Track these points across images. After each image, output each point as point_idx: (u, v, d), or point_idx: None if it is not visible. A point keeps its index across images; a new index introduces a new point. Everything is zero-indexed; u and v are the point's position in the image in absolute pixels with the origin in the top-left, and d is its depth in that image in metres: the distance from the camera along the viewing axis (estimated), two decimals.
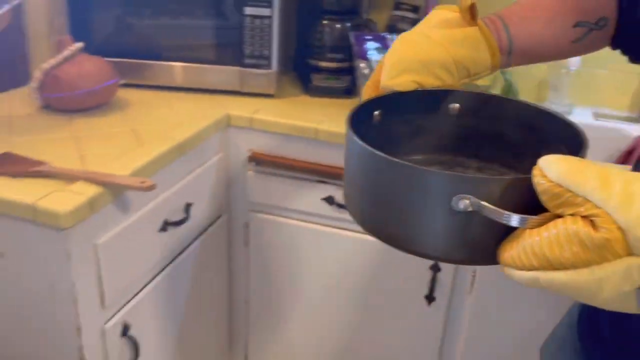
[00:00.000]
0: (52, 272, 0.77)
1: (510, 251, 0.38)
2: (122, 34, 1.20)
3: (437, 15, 0.56)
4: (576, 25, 0.56)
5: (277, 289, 1.25)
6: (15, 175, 0.80)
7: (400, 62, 0.53)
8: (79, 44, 1.05)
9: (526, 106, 0.53)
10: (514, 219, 0.37)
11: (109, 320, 0.85)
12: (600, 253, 0.34)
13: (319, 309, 1.23)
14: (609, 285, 0.34)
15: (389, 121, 0.52)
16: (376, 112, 0.52)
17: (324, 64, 1.24)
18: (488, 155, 0.55)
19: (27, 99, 1.10)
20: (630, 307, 0.35)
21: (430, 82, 0.53)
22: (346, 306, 1.20)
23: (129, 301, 0.89)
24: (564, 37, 0.57)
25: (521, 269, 0.37)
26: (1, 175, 0.80)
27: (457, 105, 0.55)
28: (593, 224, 0.34)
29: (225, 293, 1.26)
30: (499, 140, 0.54)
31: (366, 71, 1.16)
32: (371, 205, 0.44)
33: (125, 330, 0.88)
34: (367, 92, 0.56)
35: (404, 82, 0.52)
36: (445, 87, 0.54)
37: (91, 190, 0.77)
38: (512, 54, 0.57)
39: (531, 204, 0.37)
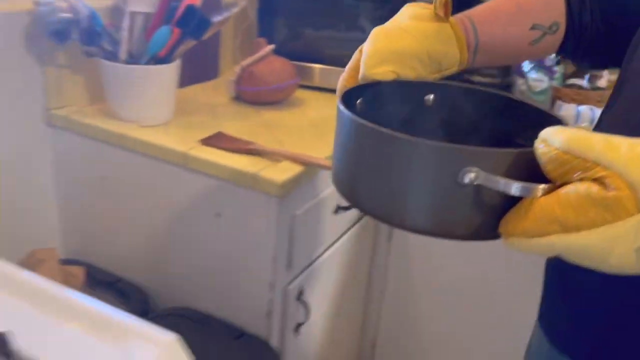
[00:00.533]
0: (259, 234, 0.91)
1: (520, 221, 0.38)
2: (295, 40, 1.36)
3: (409, 11, 0.58)
4: (532, 27, 0.60)
5: (412, 286, 1.35)
6: (232, 150, 0.96)
7: (378, 52, 0.54)
8: (271, 46, 1.21)
9: (502, 97, 0.54)
10: (524, 189, 0.38)
11: (290, 282, 0.99)
12: (613, 212, 0.35)
13: (451, 312, 1.31)
14: (620, 243, 0.35)
15: (368, 110, 0.52)
16: (358, 101, 0.53)
17: (477, 78, 1.33)
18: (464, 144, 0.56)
19: (219, 90, 1.28)
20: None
21: (407, 73, 0.55)
22: (481, 316, 1.27)
23: (305, 269, 1.03)
24: (523, 39, 0.61)
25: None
26: (220, 149, 0.96)
27: (433, 96, 0.56)
28: (603, 186, 0.35)
29: (364, 283, 1.38)
30: (475, 131, 0.55)
31: (524, 87, 1.24)
32: (368, 183, 0.44)
33: (300, 294, 1.01)
34: (343, 82, 0.57)
35: (383, 72, 0.54)
36: (421, 79, 0.56)
37: (296, 169, 0.91)
38: (477, 52, 0.60)
39: (532, 177, 0.38)
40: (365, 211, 0.45)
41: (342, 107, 0.46)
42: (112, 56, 0.99)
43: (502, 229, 0.40)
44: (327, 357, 1.26)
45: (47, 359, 0.48)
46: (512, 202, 0.39)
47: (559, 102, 1.24)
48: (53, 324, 0.53)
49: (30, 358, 0.49)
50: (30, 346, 0.50)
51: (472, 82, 1.33)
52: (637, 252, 0.36)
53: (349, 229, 1.19)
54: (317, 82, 1.35)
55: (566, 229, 0.36)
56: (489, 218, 0.40)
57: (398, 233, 1.34)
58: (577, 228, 0.36)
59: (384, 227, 1.34)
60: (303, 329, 1.06)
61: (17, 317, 0.53)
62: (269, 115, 1.17)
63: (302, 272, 1.02)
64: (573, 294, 0.58)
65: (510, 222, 0.39)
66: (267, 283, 0.94)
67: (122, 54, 0.98)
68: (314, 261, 1.06)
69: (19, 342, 0.49)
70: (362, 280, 1.36)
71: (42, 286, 0.57)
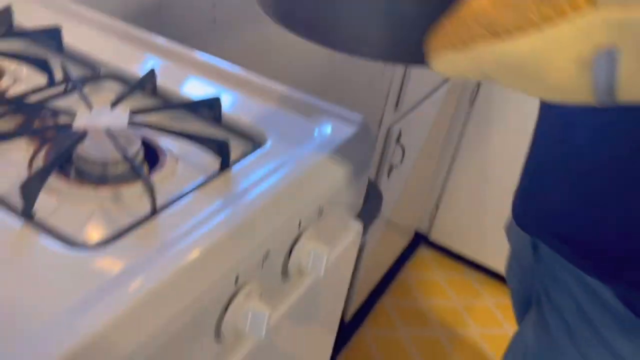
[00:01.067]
0: (374, 68, 0.93)
1: (445, 29, 0.33)
2: None
3: None
4: None
5: (483, 154, 1.38)
6: None
7: None
8: None
9: None
10: None
11: (394, 124, 1.02)
12: (559, 8, 0.29)
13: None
14: (562, 49, 0.29)
15: None
16: None
17: None
18: None
19: None
20: (580, 90, 0.30)
21: None
22: None
23: (407, 113, 1.06)
24: None
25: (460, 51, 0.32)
26: None
27: None
28: None
29: (441, 144, 1.42)
30: None
31: None
32: None
33: (399, 137, 1.05)
34: None
35: None
36: None
37: None
38: None
39: None
40: (284, 24, 0.39)
41: None
42: None
43: (427, 44, 0.34)
44: (398, 209, 1.34)
45: (254, 121, 0.53)
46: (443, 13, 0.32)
47: None
48: (259, 105, 0.57)
49: (233, 119, 0.54)
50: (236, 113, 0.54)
51: None
52: (577, 65, 0.29)
53: (441, 85, 1.20)
54: None
55: (497, 34, 0.30)
56: (414, 32, 0.33)
57: (482, 99, 1.35)
58: (511, 32, 0.30)
59: (467, 90, 1.35)
60: (393, 173, 1.11)
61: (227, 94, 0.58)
62: None
63: (404, 115, 1.05)
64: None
65: (436, 32, 0.33)
66: (377, 120, 0.97)
67: None
68: (414, 107, 1.08)
69: (238, 112, 0.54)
70: (439, 141, 1.40)
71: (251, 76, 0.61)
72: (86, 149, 0.46)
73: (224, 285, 0.39)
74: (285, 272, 0.47)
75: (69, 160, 0.46)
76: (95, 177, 0.46)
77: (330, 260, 0.55)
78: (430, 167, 1.45)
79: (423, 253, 1.61)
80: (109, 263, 0.36)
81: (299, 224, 0.46)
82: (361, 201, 0.59)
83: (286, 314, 0.50)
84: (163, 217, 0.41)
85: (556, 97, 0.31)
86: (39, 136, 0.49)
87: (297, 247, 0.46)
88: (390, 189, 1.16)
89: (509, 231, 0.68)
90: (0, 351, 0.29)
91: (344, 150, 0.53)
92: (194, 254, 0.38)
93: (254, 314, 0.40)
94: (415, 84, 1.03)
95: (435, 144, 1.38)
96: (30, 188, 0.38)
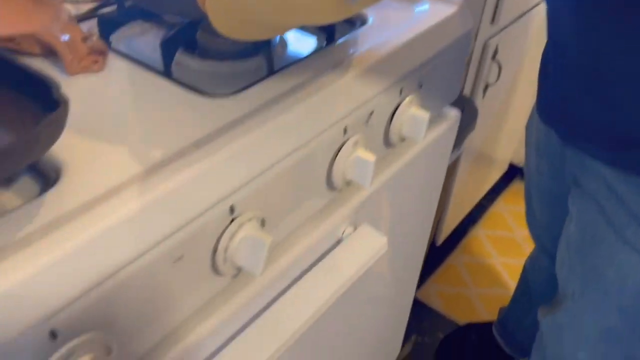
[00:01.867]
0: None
1: None
2: None
3: None
4: None
5: None
6: None
7: None
8: None
9: None
10: None
11: (490, 38, 1.01)
12: None
13: None
14: None
15: None
16: None
17: None
18: None
19: None
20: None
21: None
22: None
23: (503, 29, 1.04)
24: None
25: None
26: None
27: None
28: None
29: None
30: None
31: None
32: None
33: (495, 53, 1.04)
34: None
35: None
36: None
37: None
38: None
39: None
40: None
41: None
42: None
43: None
44: (493, 138, 1.32)
45: None
46: None
47: None
48: None
49: None
50: None
51: None
52: None
53: (542, 0, 1.15)
54: None
55: None
56: None
57: None
58: None
59: None
60: (489, 92, 1.10)
61: None
62: None
63: (502, 30, 1.03)
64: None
65: None
66: (472, 33, 0.96)
67: None
68: (512, 22, 1.06)
69: None
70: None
71: None
72: (208, 28, 0.51)
73: (333, 133, 0.43)
74: (387, 137, 0.51)
75: (195, 43, 0.52)
76: (215, 53, 0.51)
77: (430, 138, 0.58)
78: (531, 93, 1.40)
79: (518, 186, 1.59)
80: (234, 107, 0.41)
81: (400, 92, 0.49)
82: (458, 88, 0.61)
83: (389, 180, 0.54)
84: (278, 76, 0.45)
85: (309, 15, 0.33)
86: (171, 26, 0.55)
87: (398, 112, 0.49)
88: (485, 110, 1.15)
89: (531, 127, 0.68)
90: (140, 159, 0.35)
91: (442, 29, 0.54)
92: (308, 101, 0.42)
93: (360, 161, 0.44)
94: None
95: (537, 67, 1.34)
96: (168, 46, 0.44)
